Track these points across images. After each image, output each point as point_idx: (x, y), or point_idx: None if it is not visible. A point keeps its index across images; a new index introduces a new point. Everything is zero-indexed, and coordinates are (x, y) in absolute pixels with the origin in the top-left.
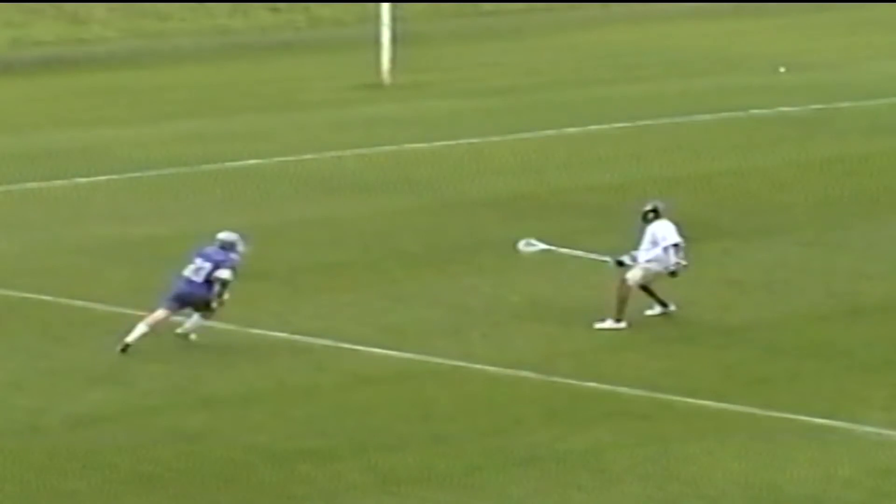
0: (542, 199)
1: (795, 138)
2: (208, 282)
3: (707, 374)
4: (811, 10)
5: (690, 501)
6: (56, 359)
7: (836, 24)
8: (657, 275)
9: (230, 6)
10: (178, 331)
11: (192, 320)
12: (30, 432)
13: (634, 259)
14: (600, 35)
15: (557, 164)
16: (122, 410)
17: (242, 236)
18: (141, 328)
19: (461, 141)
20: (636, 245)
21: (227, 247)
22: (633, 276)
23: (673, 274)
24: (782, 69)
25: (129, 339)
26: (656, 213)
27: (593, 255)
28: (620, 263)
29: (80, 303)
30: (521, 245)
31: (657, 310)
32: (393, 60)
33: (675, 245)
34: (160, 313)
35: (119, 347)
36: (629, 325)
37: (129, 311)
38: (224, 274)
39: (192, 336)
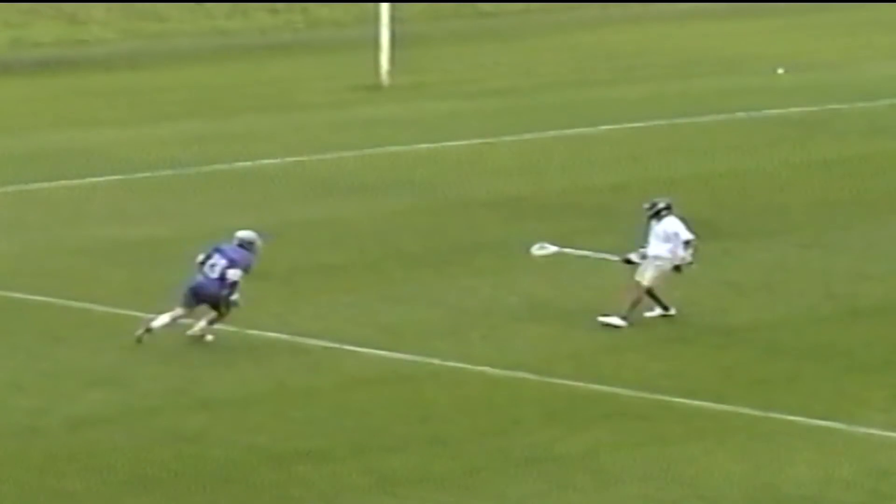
0: (542, 199)
1: (795, 139)
2: (222, 278)
3: (706, 375)
4: (811, 11)
5: (690, 502)
6: (56, 359)
7: (835, 24)
8: (667, 274)
9: (229, 7)
10: (190, 332)
11: (201, 324)
12: (29, 433)
13: (644, 257)
14: (600, 36)
15: (557, 165)
16: (122, 411)
17: (261, 235)
18: (164, 318)
19: (460, 142)
20: (636, 244)
21: (246, 245)
22: (647, 276)
23: (678, 269)
24: (780, 70)
25: (155, 324)
26: (669, 210)
27: (604, 255)
28: (629, 262)
29: (79, 304)
30: (535, 249)
31: (657, 312)
32: (392, 61)
33: (687, 241)
34: (179, 310)
35: (141, 330)
36: (629, 325)
37: (128, 312)
38: (233, 275)
39: (209, 337)
